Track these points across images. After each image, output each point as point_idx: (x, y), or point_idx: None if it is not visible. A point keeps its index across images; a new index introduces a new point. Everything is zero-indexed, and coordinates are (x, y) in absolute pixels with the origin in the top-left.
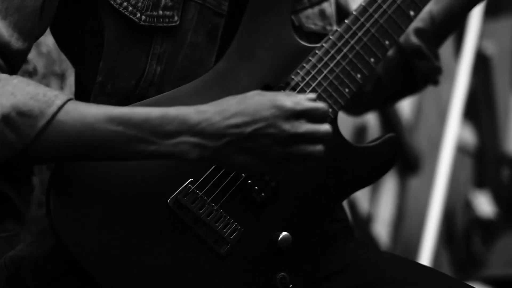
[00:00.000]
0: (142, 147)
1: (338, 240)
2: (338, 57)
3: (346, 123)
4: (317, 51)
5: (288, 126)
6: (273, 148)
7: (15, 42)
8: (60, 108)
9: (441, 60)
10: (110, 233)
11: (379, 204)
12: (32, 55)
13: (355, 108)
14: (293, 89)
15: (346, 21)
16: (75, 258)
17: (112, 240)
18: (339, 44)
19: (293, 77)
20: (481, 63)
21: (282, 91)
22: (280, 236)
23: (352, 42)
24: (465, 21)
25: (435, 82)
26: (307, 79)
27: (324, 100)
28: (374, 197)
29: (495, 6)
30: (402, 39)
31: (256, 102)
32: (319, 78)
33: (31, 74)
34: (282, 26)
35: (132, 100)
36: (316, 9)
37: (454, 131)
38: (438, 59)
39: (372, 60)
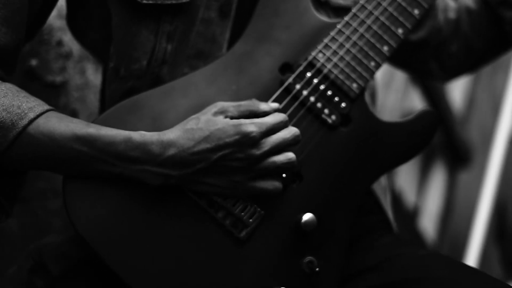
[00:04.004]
0: (106, 168)
1: (373, 234)
2: (361, 30)
3: (393, 113)
4: (338, 26)
5: (253, 150)
6: (241, 171)
7: (3, 36)
8: (31, 121)
9: None
10: (125, 221)
11: (427, 198)
12: (68, 38)
13: (444, 71)
14: (312, 65)
15: (354, 8)
16: (93, 249)
17: (127, 229)
18: (362, 16)
19: (312, 53)
20: None
21: (300, 67)
22: (304, 218)
23: (376, 13)
24: None
25: None
26: (328, 54)
27: (347, 75)
28: (421, 190)
29: None
30: None
31: (220, 129)
32: (340, 53)
33: (67, 56)
34: (301, 2)
35: (146, 80)
36: None
37: (508, 122)
38: None
39: (399, 30)
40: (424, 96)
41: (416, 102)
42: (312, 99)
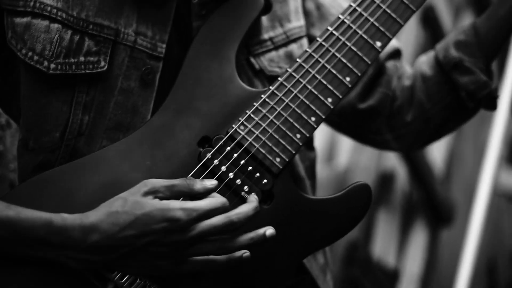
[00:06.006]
0: (28, 251)
1: None
2: (286, 100)
3: (368, 171)
4: (262, 95)
5: (180, 236)
6: (166, 257)
7: None
8: None
9: (494, 76)
10: None
11: (407, 259)
12: None
13: (400, 142)
14: (233, 138)
15: (298, 59)
16: None
17: None
18: (289, 86)
19: (234, 126)
20: None
21: (220, 141)
22: None
23: (304, 81)
24: None
25: (490, 103)
26: (250, 126)
27: (270, 148)
28: (401, 251)
29: None
30: (441, 54)
31: (147, 214)
32: (264, 125)
33: (3, 128)
34: (225, 71)
35: (61, 154)
36: (281, 51)
37: (491, 176)
38: (488, 74)
39: (329, 100)
40: (401, 155)
41: (393, 161)
42: (231, 175)
